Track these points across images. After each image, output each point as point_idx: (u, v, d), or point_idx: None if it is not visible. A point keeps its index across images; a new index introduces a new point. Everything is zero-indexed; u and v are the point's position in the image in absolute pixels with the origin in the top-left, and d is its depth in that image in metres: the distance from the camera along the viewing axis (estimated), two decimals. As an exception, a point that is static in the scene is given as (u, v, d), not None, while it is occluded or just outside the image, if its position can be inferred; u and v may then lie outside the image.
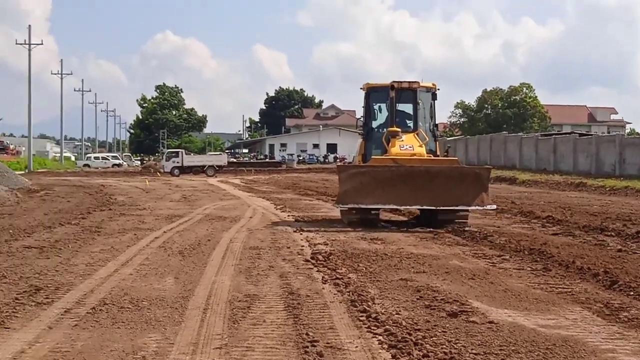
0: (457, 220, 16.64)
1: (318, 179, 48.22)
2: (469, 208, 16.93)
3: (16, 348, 6.38)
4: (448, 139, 68.82)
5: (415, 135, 18.15)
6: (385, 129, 18.31)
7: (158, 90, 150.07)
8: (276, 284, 9.35)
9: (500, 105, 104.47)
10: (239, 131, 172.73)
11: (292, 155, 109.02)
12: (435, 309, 7.87)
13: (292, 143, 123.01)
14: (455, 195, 16.50)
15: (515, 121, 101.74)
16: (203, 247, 12.88)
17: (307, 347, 6.36)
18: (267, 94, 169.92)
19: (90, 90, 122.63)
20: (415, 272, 10.42)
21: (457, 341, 6.59)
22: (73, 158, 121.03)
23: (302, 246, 13.17)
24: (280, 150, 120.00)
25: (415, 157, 17.42)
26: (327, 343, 6.50)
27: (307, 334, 6.74)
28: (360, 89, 19.46)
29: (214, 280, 9.62)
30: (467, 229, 15.81)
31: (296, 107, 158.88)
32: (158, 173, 64.48)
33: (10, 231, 15.09)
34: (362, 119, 19.55)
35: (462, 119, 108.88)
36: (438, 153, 18.84)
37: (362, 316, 7.44)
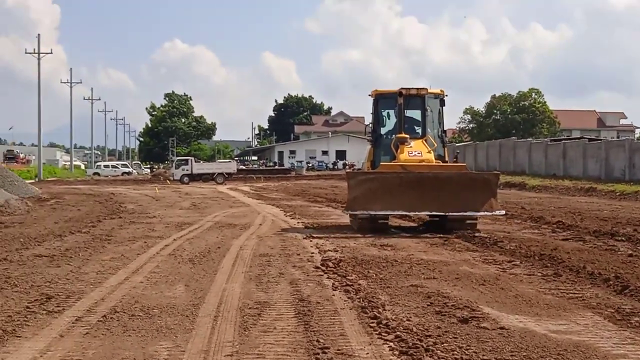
0: (466, 226, 16.62)
1: (327, 186, 48.21)
2: (478, 214, 16.93)
3: (28, 356, 6.41)
4: (457, 145, 68.72)
5: (424, 141, 18.15)
6: (393, 136, 18.32)
7: (167, 98, 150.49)
8: (286, 291, 9.35)
9: (509, 110, 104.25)
10: (248, 138, 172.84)
11: (301, 162, 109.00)
12: (446, 315, 7.86)
13: (301, 150, 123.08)
14: (464, 201, 16.51)
15: (524, 127, 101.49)
16: (213, 255, 12.90)
17: (318, 354, 6.36)
18: (275, 101, 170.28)
19: (99, 99, 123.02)
20: (426, 278, 10.41)
21: (468, 347, 6.58)
22: (83, 166, 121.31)
23: (312, 253, 13.17)
24: (289, 157, 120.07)
25: (423, 163, 17.41)
26: (338, 350, 6.50)
27: (317, 341, 6.74)
28: (369, 95, 19.48)
29: (224, 287, 9.63)
30: (477, 234, 15.77)
31: (305, 114, 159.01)
32: (168, 181, 64.56)
33: (21, 240, 15.14)
34: (370, 126, 19.56)
35: (471, 125, 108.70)
36: (447, 159, 18.83)
37: (372, 323, 7.44)
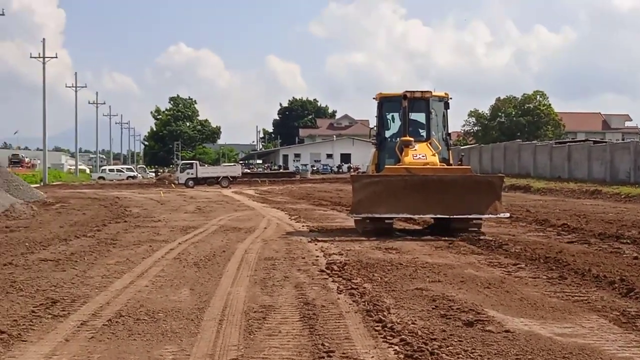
0: (470, 229, 16.65)
1: (332, 189, 48.22)
2: (482, 216, 16.96)
3: (33, 360, 6.42)
4: (462, 147, 68.69)
5: (428, 144, 18.18)
6: (398, 139, 18.34)
7: (172, 102, 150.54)
8: (291, 295, 9.35)
9: (513, 113, 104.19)
10: (253, 142, 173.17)
11: (305, 165, 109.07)
12: (451, 318, 7.85)
13: (306, 153, 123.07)
14: (469, 204, 16.54)
15: (529, 129, 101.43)
16: (218, 258, 12.90)
17: (323, 357, 6.37)
18: (280, 104, 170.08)
19: (104, 103, 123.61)
20: (431, 281, 10.40)
21: (473, 350, 6.57)
22: (88, 170, 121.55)
23: (317, 256, 13.17)
24: (294, 160, 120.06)
25: (428, 166, 17.44)
26: (343, 353, 6.50)
27: (323, 344, 6.74)
28: (373, 98, 19.49)
29: (229, 291, 9.64)
30: (482, 237, 15.76)
31: (310, 117, 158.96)
32: (172, 185, 64.65)
33: (26, 244, 15.17)
34: (375, 129, 19.55)
35: (476, 128, 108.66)
36: (451, 162, 18.85)
37: (377, 326, 7.44)
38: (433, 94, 18.74)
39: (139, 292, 9.64)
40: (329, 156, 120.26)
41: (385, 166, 18.06)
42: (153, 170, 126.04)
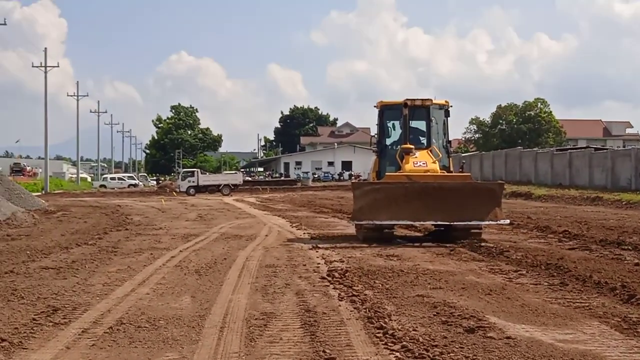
0: (471, 235, 16.67)
1: (333, 197, 48.21)
2: (483, 223, 17.01)
3: (34, 368, 6.42)
4: (463, 154, 68.68)
5: (429, 151, 18.23)
6: (399, 146, 18.40)
7: (173, 111, 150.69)
8: (293, 302, 9.35)
9: (514, 120, 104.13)
10: (254, 150, 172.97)
11: (307, 173, 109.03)
12: (452, 325, 7.85)
13: (307, 161, 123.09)
14: (469, 211, 16.58)
15: (530, 136, 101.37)
16: (219, 266, 12.90)
17: (324, 364, 6.37)
18: (281, 112, 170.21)
19: (106, 112, 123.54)
20: (432, 288, 10.40)
21: (474, 357, 6.57)
22: (89, 179, 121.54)
23: (318, 264, 13.17)
24: (295, 168, 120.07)
25: (428, 173, 17.49)
26: (344, 360, 6.50)
27: (324, 351, 6.74)
28: (374, 107, 19.56)
29: (230, 298, 9.64)
30: (483, 244, 15.77)
31: (311, 125, 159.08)
32: (174, 193, 64.63)
33: (28, 252, 15.17)
34: (376, 137, 19.62)
35: (477, 135, 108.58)
36: (451, 169, 18.91)
37: (378, 333, 7.44)
38: (433, 102, 18.81)
39: (140, 299, 9.64)
40: (330, 164, 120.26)
41: (386, 173, 18.11)
42: (154, 178, 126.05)
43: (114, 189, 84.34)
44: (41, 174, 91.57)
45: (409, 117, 18.37)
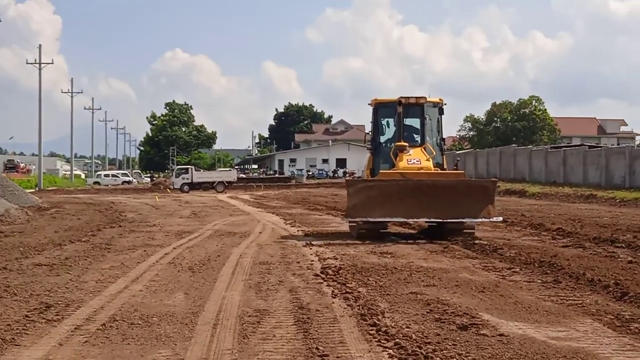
0: (464, 232, 16.72)
1: (327, 194, 48.21)
2: (476, 220, 17.05)
3: (27, 365, 6.40)
4: (457, 152, 68.75)
5: (423, 149, 18.25)
6: (393, 144, 18.42)
7: (168, 108, 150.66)
8: (286, 299, 9.35)
9: (509, 118, 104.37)
10: (249, 147, 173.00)
11: (301, 170, 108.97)
12: (446, 322, 7.85)
13: (302, 158, 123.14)
14: (462, 208, 16.60)
15: (525, 134, 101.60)
16: (213, 263, 12.89)
17: (317, 361, 6.36)
18: (276, 109, 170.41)
19: (100, 109, 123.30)
20: (425, 285, 10.40)
21: (467, 354, 6.57)
22: (83, 176, 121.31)
23: (312, 261, 13.17)
24: (289, 165, 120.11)
25: (422, 170, 17.49)
26: (337, 357, 6.50)
27: (317, 348, 6.74)
28: (369, 104, 19.59)
29: (223, 295, 9.63)
30: (476, 241, 15.79)
31: (305, 122, 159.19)
32: (168, 189, 64.55)
33: (21, 249, 15.14)
34: (370, 134, 19.66)
35: (472, 133, 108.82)
36: (445, 167, 18.95)
37: (372, 330, 7.43)
38: (427, 99, 18.83)
39: (133, 296, 9.62)
40: (325, 161, 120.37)
41: (380, 171, 18.13)
42: (148, 175, 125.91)
43: (107, 185, 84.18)
44: (35, 171, 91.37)
45: (403, 115, 18.40)
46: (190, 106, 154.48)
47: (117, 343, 7.15)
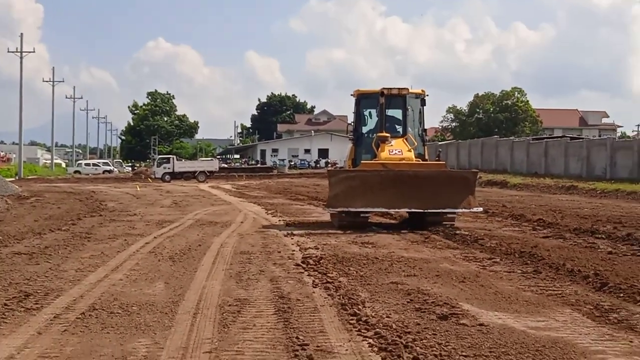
0: (444, 222, 16.84)
1: (309, 184, 48.17)
2: (456, 210, 17.19)
3: (5, 354, 6.36)
4: (440, 143, 68.89)
5: (404, 140, 18.34)
6: (375, 134, 18.46)
7: (150, 97, 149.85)
8: (267, 288, 9.33)
9: (491, 109, 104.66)
10: (231, 137, 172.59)
11: (283, 160, 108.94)
12: (426, 312, 7.87)
13: (284, 148, 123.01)
14: (443, 198, 16.71)
15: (507, 125, 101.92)
16: (194, 252, 12.85)
17: (297, 350, 6.35)
18: (259, 99, 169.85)
19: (82, 98, 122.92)
20: (406, 275, 10.42)
21: (447, 343, 6.58)
22: (64, 165, 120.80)
23: (293, 250, 13.16)
24: (271, 155, 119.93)
25: (404, 161, 17.56)
26: (317, 346, 6.49)
27: (297, 338, 6.73)
28: (351, 95, 19.62)
29: (204, 285, 9.60)
30: (457, 232, 15.85)
31: (288, 112, 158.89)
32: (149, 179, 64.36)
33: (0, 237, 15.03)
34: (352, 125, 19.70)
35: (454, 124, 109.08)
36: (427, 157, 19.01)
37: (352, 319, 7.43)
38: (410, 91, 18.90)
39: (113, 285, 9.58)
40: (307, 151, 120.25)
41: (362, 161, 18.17)
42: (130, 164, 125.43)
43: (88, 175, 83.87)
44: (15, 160, 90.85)
45: (386, 106, 18.41)
46: (173, 96, 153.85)
47: (97, 332, 7.11)
